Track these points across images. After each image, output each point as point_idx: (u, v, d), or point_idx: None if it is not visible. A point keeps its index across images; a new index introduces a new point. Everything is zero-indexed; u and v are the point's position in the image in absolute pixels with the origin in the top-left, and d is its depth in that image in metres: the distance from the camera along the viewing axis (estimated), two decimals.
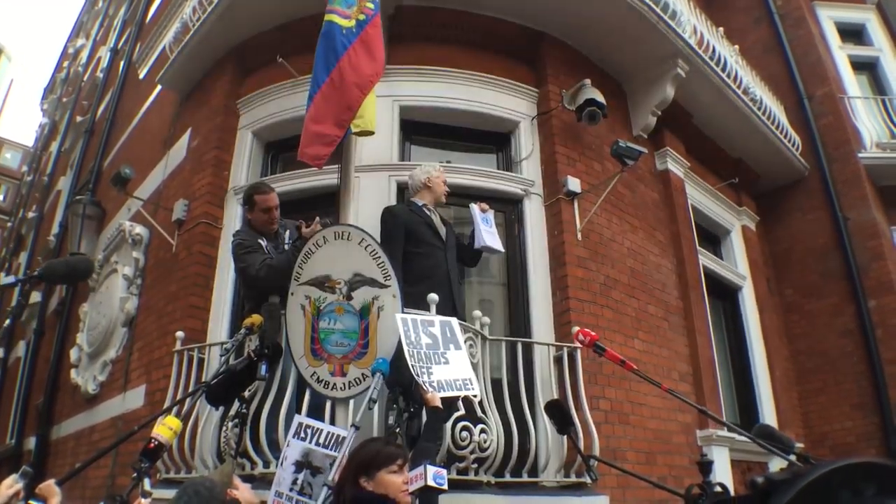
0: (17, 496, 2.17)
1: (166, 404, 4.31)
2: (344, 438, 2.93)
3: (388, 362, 3.04)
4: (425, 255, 4.07)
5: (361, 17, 3.68)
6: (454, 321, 3.44)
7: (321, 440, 3.00)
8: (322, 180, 4.75)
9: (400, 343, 3.17)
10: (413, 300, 3.60)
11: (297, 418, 3.12)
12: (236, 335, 3.57)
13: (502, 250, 4.47)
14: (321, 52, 3.62)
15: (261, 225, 4.15)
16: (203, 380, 4.24)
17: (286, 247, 4.02)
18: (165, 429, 2.57)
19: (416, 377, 2.97)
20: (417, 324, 3.22)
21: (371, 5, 3.75)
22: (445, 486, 2.35)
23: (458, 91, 5.22)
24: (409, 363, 2.98)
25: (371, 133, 3.69)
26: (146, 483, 2.53)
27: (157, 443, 2.53)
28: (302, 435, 3.02)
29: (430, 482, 2.29)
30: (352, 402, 3.30)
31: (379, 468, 2.28)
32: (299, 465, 2.96)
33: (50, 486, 2.26)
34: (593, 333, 3.27)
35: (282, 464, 2.98)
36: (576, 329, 4.06)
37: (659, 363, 5.17)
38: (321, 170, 4.63)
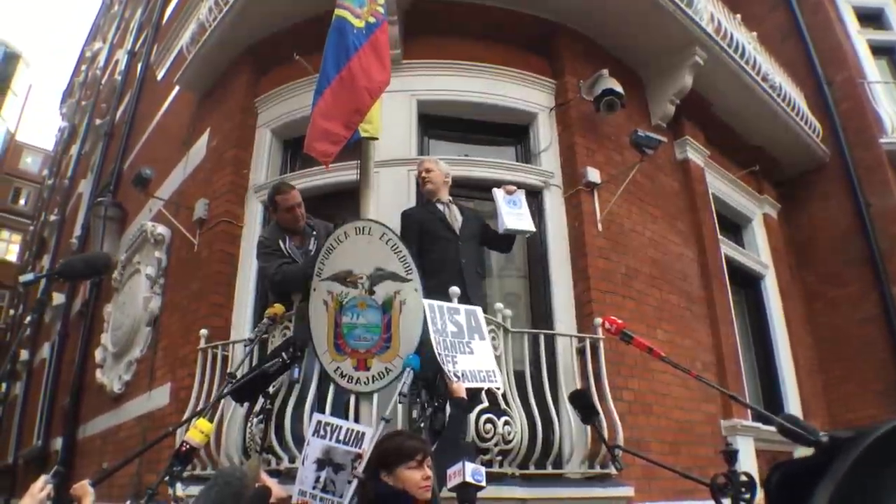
0: (48, 497, 2.20)
1: (191, 401, 4.36)
2: (364, 434, 2.94)
3: (419, 358, 3.04)
4: (436, 250, 4.04)
5: (371, 20, 3.69)
6: (479, 310, 3.43)
7: (341, 437, 3.00)
8: (341, 176, 4.75)
9: (422, 338, 3.18)
10: (426, 295, 3.59)
11: (315, 416, 3.14)
12: (259, 325, 3.62)
13: (532, 229, 4.28)
14: (332, 45, 3.63)
15: (287, 223, 4.19)
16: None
17: (311, 248, 4.06)
18: (197, 432, 2.58)
19: (441, 365, 2.97)
20: (444, 311, 3.23)
21: (381, 9, 3.77)
22: (484, 483, 2.33)
23: (476, 84, 5.21)
24: (436, 351, 2.98)
25: (376, 139, 3.83)
26: (178, 488, 2.53)
27: (188, 447, 2.54)
28: (322, 433, 3.03)
29: (469, 479, 2.29)
30: (376, 396, 3.31)
31: (398, 463, 2.27)
32: (321, 464, 2.97)
33: (84, 487, 2.29)
34: (620, 321, 3.25)
35: (303, 463, 3.00)
36: (599, 320, 4.06)
37: (682, 353, 5.12)
38: (340, 166, 4.68)
